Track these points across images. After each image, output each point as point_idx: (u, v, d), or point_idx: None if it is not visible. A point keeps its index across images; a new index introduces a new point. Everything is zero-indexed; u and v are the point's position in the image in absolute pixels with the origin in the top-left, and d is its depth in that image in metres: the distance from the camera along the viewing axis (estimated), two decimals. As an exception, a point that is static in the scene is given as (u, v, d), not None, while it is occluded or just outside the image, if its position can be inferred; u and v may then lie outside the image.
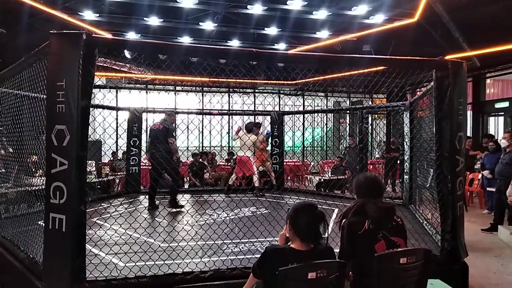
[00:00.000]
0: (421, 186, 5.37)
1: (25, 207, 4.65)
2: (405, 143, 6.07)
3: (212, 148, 13.88)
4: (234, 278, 2.90)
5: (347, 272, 2.16)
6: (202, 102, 14.67)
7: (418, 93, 6.74)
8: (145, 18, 9.71)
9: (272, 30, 10.62)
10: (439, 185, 3.50)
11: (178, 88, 14.49)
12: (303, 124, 13.12)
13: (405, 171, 6.08)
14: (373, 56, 5.97)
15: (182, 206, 5.72)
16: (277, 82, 13.70)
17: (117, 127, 10.14)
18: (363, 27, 9.95)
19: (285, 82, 13.29)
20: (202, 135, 14.07)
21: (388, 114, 10.29)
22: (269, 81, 13.69)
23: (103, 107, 7.35)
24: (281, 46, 11.83)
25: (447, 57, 4.05)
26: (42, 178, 3.06)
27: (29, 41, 3.43)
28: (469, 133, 11.34)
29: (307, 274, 1.91)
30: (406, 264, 2.16)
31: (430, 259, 2.26)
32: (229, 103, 15.01)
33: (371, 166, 10.24)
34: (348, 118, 15.28)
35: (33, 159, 4.68)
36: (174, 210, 5.57)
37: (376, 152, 13.49)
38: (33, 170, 4.98)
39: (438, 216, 3.60)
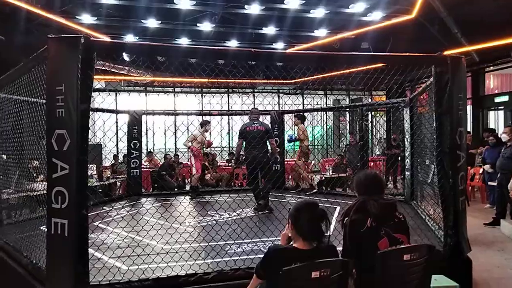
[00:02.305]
0: (423, 182, 5.37)
1: (27, 212, 4.65)
2: (405, 140, 6.06)
3: (213, 149, 13.88)
4: (237, 279, 2.90)
5: (351, 270, 2.16)
6: (202, 103, 14.67)
7: (417, 89, 6.73)
8: (143, 21, 9.71)
9: (270, 30, 10.61)
10: (441, 181, 3.49)
11: (177, 89, 14.49)
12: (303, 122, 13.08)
13: (406, 167, 6.07)
14: (372, 53, 5.95)
15: (271, 210, 5.53)
16: (276, 81, 13.70)
17: (117, 130, 10.15)
18: (361, 25, 9.94)
19: (284, 81, 13.29)
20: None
21: (388, 111, 10.29)
22: (268, 81, 13.68)
23: (103, 110, 7.35)
24: (279, 45, 11.83)
25: (446, 53, 4.05)
26: (44, 183, 3.06)
27: (27, 46, 3.43)
28: (469, 128, 11.34)
29: (311, 273, 1.91)
30: (410, 261, 2.16)
31: (434, 255, 2.26)
32: (228, 103, 15.01)
33: (372, 163, 10.23)
34: (348, 115, 15.27)
35: (34, 164, 4.68)
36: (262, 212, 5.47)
37: (377, 149, 13.48)
38: (35, 175, 4.99)
39: (441, 212, 3.59)
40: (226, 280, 2.94)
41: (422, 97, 5.24)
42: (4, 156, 4.53)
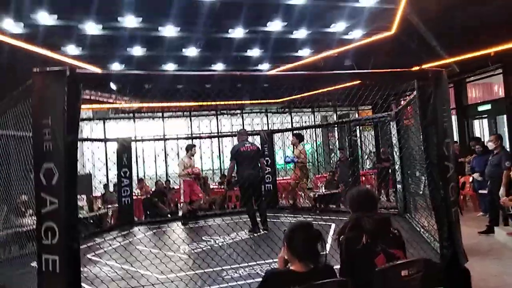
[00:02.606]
0: (415, 193, 5.39)
1: (16, 249, 4.52)
2: (394, 153, 6.13)
3: (204, 172, 13.81)
4: (235, 305, 2.84)
5: (349, 290, 2.13)
6: (191, 126, 14.68)
7: (402, 102, 6.88)
8: (128, 49, 9.79)
9: (254, 52, 10.81)
10: (432, 193, 3.52)
11: (165, 114, 14.50)
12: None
13: (398, 180, 6.12)
14: (354, 71, 6.10)
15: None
16: (264, 101, 13.84)
17: (106, 159, 10.05)
18: (343, 43, 10.20)
19: (272, 100, 13.44)
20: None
21: (375, 125, 10.44)
22: (255, 101, 13.82)
23: (92, 140, 7.31)
24: (264, 67, 12.02)
25: (427, 65, 4.17)
26: (33, 217, 2.99)
27: (11, 79, 3.42)
28: (456, 137, 11.52)
29: (309, 296, 1.89)
30: (408, 277, 2.14)
31: (431, 269, 2.25)
32: (217, 125, 15.05)
33: (364, 178, 10.28)
34: (336, 131, 15.42)
35: (23, 199, 4.59)
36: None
37: (367, 163, 13.57)
38: (23, 210, 4.88)
39: (435, 224, 3.60)
40: (224, 308, 2.87)
41: (407, 110, 5.34)
42: None
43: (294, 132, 7.66)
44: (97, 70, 9.03)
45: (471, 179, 7.74)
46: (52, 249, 2.61)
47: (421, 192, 5.12)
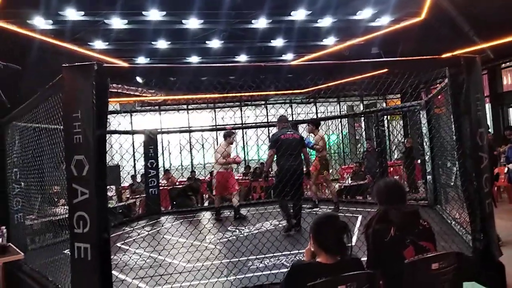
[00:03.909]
0: (445, 185, 5.23)
1: (50, 237, 4.72)
2: (424, 143, 5.94)
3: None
4: (261, 295, 2.86)
5: (377, 282, 2.10)
6: (215, 118, 14.78)
7: (432, 90, 6.62)
8: (153, 42, 9.92)
9: (278, 42, 10.70)
10: (464, 184, 3.39)
11: (190, 106, 14.66)
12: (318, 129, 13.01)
13: (428, 171, 5.94)
14: (382, 59, 5.89)
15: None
16: (288, 92, 13.71)
17: (133, 150, 10.29)
18: (370, 30, 9.93)
19: (296, 91, 13.29)
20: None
21: (404, 114, 10.15)
22: (279, 92, 13.71)
23: (119, 132, 7.48)
24: (288, 57, 11.90)
25: (459, 52, 3.98)
26: (65, 207, 3.10)
27: (42, 75, 3.55)
28: (489, 127, 11.04)
29: (337, 288, 1.87)
30: (439, 270, 2.08)
31: (463, 262, 2.18)
32: (241, 117, 15.08)
33: (391, 169, 10.05)
34: (363, 121, 15.12)
35: (55, 190, 4.78)
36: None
37: (396, 154, 13.27)
38: (56, 200, 5.08)
39: (467, 216, 3.48)
40: (250, 297, 2.90)
41: (438, 98, 5.15)
42: (22, 184, 4.64)
43: (308, 120, 7.13)
44: (123, 64, 9.23)
45: (506, 169, 7.44)
46: (83, 238, 2.70)
47: (452, 184, 4.96)
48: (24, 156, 4.63)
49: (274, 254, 3.67)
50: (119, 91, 11.17)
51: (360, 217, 5.28)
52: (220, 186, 6.32)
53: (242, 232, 5.08)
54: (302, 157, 5.13)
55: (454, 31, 9.37)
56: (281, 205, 5.03)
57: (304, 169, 5.17)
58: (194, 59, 11.37)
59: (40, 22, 8.31)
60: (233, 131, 6.65)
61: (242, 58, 11.68)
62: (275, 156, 5.07)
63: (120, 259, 3.92)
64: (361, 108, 15.40)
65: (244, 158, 14.68)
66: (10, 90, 4.97)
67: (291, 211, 5.00)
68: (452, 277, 2.14)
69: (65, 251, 3.05)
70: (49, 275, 3.51)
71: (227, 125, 13.75)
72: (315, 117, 14.84)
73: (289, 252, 3.77)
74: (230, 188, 6.34)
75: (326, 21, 9.35)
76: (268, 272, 3.21)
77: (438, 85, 4.92)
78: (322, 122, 8.44)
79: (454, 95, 3.41)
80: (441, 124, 4.96)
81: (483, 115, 3.37)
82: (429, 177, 5.95)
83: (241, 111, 15.05)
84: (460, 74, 3.33)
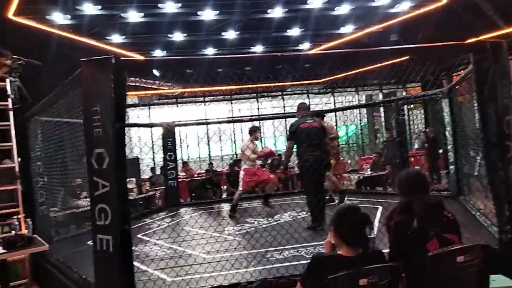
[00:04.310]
0: (469, 175, 5.08)
1: (73, 228, 4.85)
2: (447, 132, 5.78)
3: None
4: (281, 286, 2.85)
5: (400, 275, 2.06)
6: (232, 110, 14.78)
7: (455, 78, 6.41)
8: (169, 35, 9.95)
9: (294, 31, 10.56)
10: (490, 174, 3.28)
11: (207, 99, 14.69)
12: (336, 122, 12.86)
13: (450, 161, 5.78)
14: (404, 46, 5.73)
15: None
16: (305, 82, 13.55)
17: (152, 143, 10.40)
18: (389, 17, 9.67)
19: (313, 81, 13.12)
20: (235, 143, 14.16)
21: (425, 103, 9.89)
22: (296, 82, 13.56)
23: (138, 125, 7.57)
24: (305, 46, 11.75)
25: (483, 37, 3.82)
26: (87, 199, 3.16)
27: (61, 70, 3.61)
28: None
29: (358, 281, 1.83)
30: (464, 263, 2.02)
31: (490, 255, 2.11)
32: (258, 108, 15.03)
33: (412, 159, 9.85)
34: (382, 111, 14.83)
35: (78, 182, 4.89)
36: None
37: (416, 144, 12.98)
38: (78, 192, 5.20)
39: (492, 206, 3.37)
40: (270, 289, 2.89)
41: (461, 85, 4.98)
42: (46, 177, 4.75)
43: (311, 111, 6.21)
44: (140, 57, 9.29)
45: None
46: (105, 230, 2.75)
47: (475, 174, 4.82)
48: (47, 150, 4.74)
49: (293, 246, 3.66)
50: (137, 84, 11.29)
51: (380, 209, 5.19)
52: (245, 181, 6.00)
53: (261, 224, 5.08)
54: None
55: (477, 16, 9.02)
56: (310, 201, 4.64)
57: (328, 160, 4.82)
58: (210, 51, 11.36)
59: (58, 17, 8.45)
60: (258, 126, 6.43)
61: (258, 48, 11.59)
62: (295, 146, 4.75)
63: (141, 250, 3.99)
64: (380, 98, 15.10)
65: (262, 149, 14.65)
66: (32, 85, 5.07)
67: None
68: (478, 270, 2.07)
69: (88, 242, 3.11)
70: (74, 266, 3.60)
71: (243, 116, 13.74)
72: (333, 107, 14.65)
73: (308, 244, 3.74)
74: (263, 181, 6.07)
75: (343, 9, 9.16)
76: (288, 264, 3.20)
77: (461, 72, 4.74)
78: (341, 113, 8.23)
79: (479, 82, 3.28)
80: (464, 112, 4.80)
81: (510, 102, 3.23)
82: (451, 167, 5.79)
83: (257, 102, 14.99)
84: (485, 60, 3.20)
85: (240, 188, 6.04)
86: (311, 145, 4.53)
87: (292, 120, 5.38)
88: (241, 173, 6.09)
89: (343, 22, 10.15)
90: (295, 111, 5.18)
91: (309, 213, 4.67)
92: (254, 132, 6.15)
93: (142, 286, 2.86)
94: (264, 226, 4.92)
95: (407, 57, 3.77)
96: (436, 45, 3.51)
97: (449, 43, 3.35)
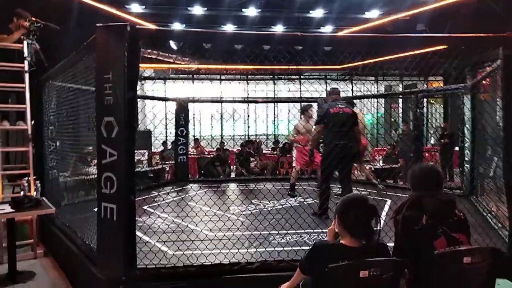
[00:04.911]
0: (484, 175, 4.94)
1: (82, 195, 4.91)
2: (466, 129, 5.60)
3: (258, 137, 13.87)
4: (281, 270, 2.83)
5: (403, 271, 2.01)
6: (247, 90, 14.65)
7: (479, 74, 6.17)
8: (189, 8, 9.79)
9: (317, 13, 10.27)
10: (507, 175, 3.16)
11: (223, 77, 14.57)
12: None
13: (466, 159, 5.62)
14: (429, 34, 5.49)
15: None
16: (324, 67, 13.28)
17: (166, 117, 10.41)
18: (417, 5, 9.30)
19: (332, 67, 12.84)
20: (248, 124, 14.10)
21: (446, 98, 9.60)
22: (315, 67, 13.30)
23: (151, 98, 7.55)
24: (327, 29, 11.44)
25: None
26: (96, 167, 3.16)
27: (79, 37, 3.56)
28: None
29: (359, 273, 1.79)
30: (471, 264, 1.95)
31: (498, 259, 2.03)
32: (274, 90, 14.86)
33: (427, 154, 9.66)
34: (401, 103, 14.51)
35: (89, 150, 4.92)
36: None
37: (432, 140, 12.71)
38: (89, 159, 5.25)
39: (505, 209, 3.26)
40: (269, 271, 2.88)
41: (485, 82, 4.78)
42: (58, 142, 4.79)
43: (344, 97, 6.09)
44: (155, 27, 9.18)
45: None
46: (110, 198, 2.75)
47: (491, 174, 4.68)
48: (60, 115, 4.77)
49: (297, 231, 3.63)
50: (153, 57, 11.22)
51: (389, 202, 5.12)
52: (299, 160, 5.79)
53: (266, 207, 5.07)
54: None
55: (510, 8, 8.59)
56: (322, 191, 4.40)
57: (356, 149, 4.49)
58: (229, 27, 11.18)
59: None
60: (310, 104, 6.10)
61: (279, 28, 11.35)
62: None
63: (145, 222, 4.03)
64: (400, 89, 14.75)
65: (274, 132, 14.59)
66: (49, 50, 5.06)
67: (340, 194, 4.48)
68: (484, 273, 2.00)
69: (94, 210, 3.14)
70: (78, 230, 3.65)
71: (258, 98, 13.62)
72: (350, 94, 14.37)
73: (312, 231, 3.71)
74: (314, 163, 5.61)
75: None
76: (290, 248, 3.18)
77: (486, 68, 4.53)
78: (357, 101, 7.98)
79: (507, 78, 3.12)
80: (487, 110, 4.62)
81: (537, 102, 3.07)
82: (467, 165, 5.64)
83: (274, 84, 14.80)
84: (516, 55, 3.03)
85: (296, 166, 5.88)
86: (339, 132, 4.23)
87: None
88: (295, 152, 5.87)
89: (369, 6, 9.80)
90: (313, 97, 5.06)
91: (317, 200, 4.54)
92: (306, 110, 5.86)
93: (143, 256, 2.87)
94: (269, 209, 4.91)
95: (432, 48, 3.62)
96: (465, 36, 3.34)
97: (478, 34, 3.18)
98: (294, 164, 5.86)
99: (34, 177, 4.46)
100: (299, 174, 6.28)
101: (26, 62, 4.55)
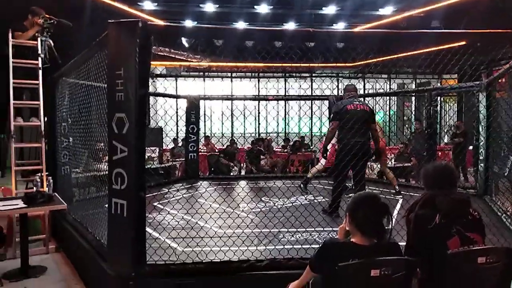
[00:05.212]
0: (499, 174, 4.84)
1: (93, 190, 4.96)
2: (480, 128, 5.48)
3: (268, 135, 13.85)
4: (290, 268, 2.81)
5: (415, 270, 1.97)
6: (258, 87, 14.62)
7: (495, 72, 6.03)
8: (200, 5, 9.81)
9: (330, 9, 10.19)
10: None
11: (234, 74, 14.56)
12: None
13: (481, 158, 5.51)
14: (444, 30, 5.38)
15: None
16: (336, 64, 13.15)
17: (177, 114, 10.45)
18: (431, 1, 9.13)
19: (344, 64, 12.72)
20: (258, 121, 14.07)
21: (460, 96, 9.42)
22: (326, 64, 13.17)
23: (163, 95, 7.58)
24: (340, 26, 11.34)
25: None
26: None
27: (93, 34, 3.59)
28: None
29: (370, 271, 1.76)
30: (485, 264, 1.91)
31: (513, 259, 1.98)
32: (285, 88, 14.80)
33: (440, 153, 9.50)
34: (414, 101, 14.30)
35: (101, 146, 4.96)
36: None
37: (445, 138, 12.51)
38: (101, 155, 5.30)
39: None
40: (279, 269, 2.86)
41: (502, 80, 4.67)
42: (71, 139, 4.85)
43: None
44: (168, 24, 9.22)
45: None
46: (120, 194, 2.77)
47: (506, 174, 4.58)
48: (73, 111, 4.82)
49: (307, 229, 3.60)
50: (165, 54, 11.28)
51: (401, 200, 5.05)
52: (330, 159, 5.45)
53: (276, 204, 5.05)
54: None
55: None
56: (335, 189, 4.33)
57: (372, 149, 4.43)
58: (241, 25, 11.16)
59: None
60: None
61: (291, 25, 11.29)
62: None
63: (154, 218, 4.04)
64: (413, 87, 14.53)
65: (284, 130, 14.53)
66: (63, 47, 5.11)
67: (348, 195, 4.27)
68: (499, 273, 1.95)
69: (105, 206, 3.16)
70: (89, 226, 3.69)
71: (269, 95, 13.57)
72: (362, 92, 14.21)
73: (322, 229, 3.68)
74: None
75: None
76: (299, 246, 3.15)
77: (503, 66, 4.43)
78: (369, 99, 7.86)
79: (525, 75, 3.04)
80: (503, 108, 4.52)
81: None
82: (481, 165, 5.53)
83: (285, 82, 14.74)
84: (535, 51, 2.95)
85: (322, 163, 5.74)
86: (356, 129, 4.11)
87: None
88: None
89: (382, 2, 9.68)
90: (324, 94, 4.93)
91: (330, 199, 4.48)
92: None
93: (152, 252, 2.88)
94: (279, 206, 4.89)
95: (448, 45, 3.54)
96: (481, 32, 3.26)
97: (493, 30, 3.09)
98: (322, 162, 5.62)
99: (47, 173, 4.52)
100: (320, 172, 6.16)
101: (39, 59, 4.61)
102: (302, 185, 5.86)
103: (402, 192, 5.49)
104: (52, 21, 4.62)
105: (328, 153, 4.68)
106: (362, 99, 4.69)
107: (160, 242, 3.20)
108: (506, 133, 4.33)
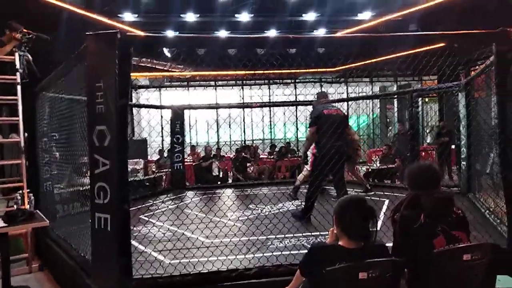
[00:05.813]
0: (480, 172, 4.94)
1: (77, 206, 4.85)
2: (461, 127, 5.60)
3: (254, 142, 13.84)
4: (279, 275, 2.79)
5: (403, 270, 1.98)
6: (242, 95, 14.64)
7: (472, 72, 6.18)
8: (181, 15, 9.82)
9: (310, 16, 10.32)
10: (504, 172, 3.14)
11: (218, 83, 14.55)
12: (347, 112, 12.63)
13: (462, 156, 5.62)
14: (421, 33, 5.51)
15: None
16: (318, 70, 13.30)
17: (162, 125, 10.37)
18: (408, 5, 9.35)
19: (326, 69, 12.87)
20: (244, 129, 14.06)
21: (441, 96, 9.62)
22: (309, 70, 13.30)
23: (146, 106, 7.51)
24: (320, 32, 11.49)
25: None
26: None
27: (71, 46, 3.54)
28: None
29: (358, 274, 1.75)
30: (470, 261, 1.93)
31: (498, 255, 2.01)
32: (269, 95, 14.86)
33: (423, 153, 9.66)
34: (396, 103, 14.53)
35: (83, 160, 4.86)
36: None
37: (428, 138, 12.73)
38: (84, 170, 5.20)
39: (503, 205, 3.24)
40: (268, 276, 2.84)
41: (479, 79, 4.79)
42: (54, 154, 4.75)
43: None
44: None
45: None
46: (104, 208, 2.71)
47: (488, 171, 4.68)
48: (53, 126, 4.72)
49: (295, 235, 3.59)
50: (147, 65, 11.22)
51: (387, 202, 5.09)
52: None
53: (263, 211, 5.02)
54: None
55: (505, 6, 8.62)
56: (311, 191, 4.36)
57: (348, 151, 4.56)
58: (222, 33, 11.21)
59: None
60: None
61: (272, 33, 11.40)
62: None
63: (139, 231, 3.97)
64: (395, 89, 14.78)
65: (270, 137, 14.55)
66: (41, 60, 5.02)
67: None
68: (485, 270, 1.98)
69: (89, 221, 3.09)
70: (73, 242, 3.59)
71: (253, 102, 13.60)
72: (345, 96, 14.38)
73: (310, 234, 3.68)
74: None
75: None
76: (288, 252, 3.14)
77: (481, 66, 4.54)
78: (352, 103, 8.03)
79: (500, 74, 3.12)
80: (481, 107, 4.63)
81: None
82: (463, 163, 5.64)
83: (269, 89, 14.80)
84: (509, 51, 3.03)
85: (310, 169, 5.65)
86: (333, 133, 4.21)
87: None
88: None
89: (361, 8, 9.86)
90: (308, 100, 5.08)
91: (304, 202, 4.47)
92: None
93: (139, 266, 2.82)
94: (266, 213, 4.87)
95: (426, 47, 3.62)
96: (456, 33, 3.34)
97: (470, 31, 3.18)
98: (308, 168, 5.59)
99: (28, 190, 4.40)
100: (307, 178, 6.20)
101: (18, 74, 4.51)
102: (291, 193, 5.90)
103: (387, 193, 5.54)
104: (30, 35, 4.54)
105: (310, 158, 4.75)
106: (335, 104, 4.90)
107: (146, 255, 3.15)
108: (486, 131, 4.43)
